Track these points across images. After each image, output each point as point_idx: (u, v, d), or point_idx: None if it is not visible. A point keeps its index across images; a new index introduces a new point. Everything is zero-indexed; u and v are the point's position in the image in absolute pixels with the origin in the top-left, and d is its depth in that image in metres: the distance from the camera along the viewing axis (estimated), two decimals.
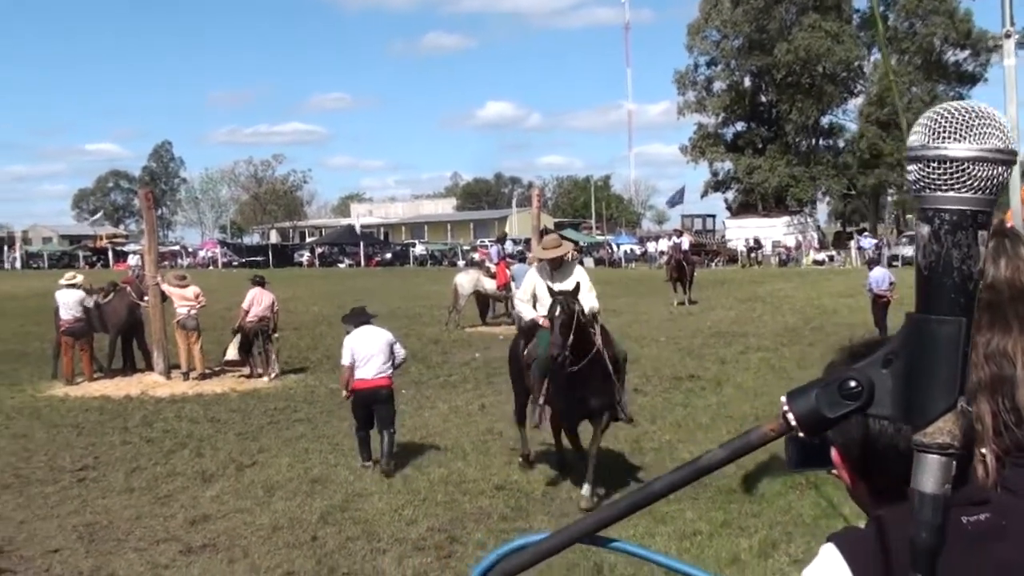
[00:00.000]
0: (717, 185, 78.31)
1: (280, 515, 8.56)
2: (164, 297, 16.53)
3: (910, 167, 1.12)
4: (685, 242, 32.27)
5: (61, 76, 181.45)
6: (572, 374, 8.63)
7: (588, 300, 9.12)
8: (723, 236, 71.46)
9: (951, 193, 1.09)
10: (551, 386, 8.94)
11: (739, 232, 66.67)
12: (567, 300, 8.59)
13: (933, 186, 1.10)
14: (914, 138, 1.13)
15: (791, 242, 61.60)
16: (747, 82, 74.78)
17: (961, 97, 71.19)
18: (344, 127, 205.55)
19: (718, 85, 74.96)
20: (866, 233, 61.67)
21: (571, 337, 8.42)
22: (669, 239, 40.79)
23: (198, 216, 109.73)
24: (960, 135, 1.10)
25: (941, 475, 1.09)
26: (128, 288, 17.36)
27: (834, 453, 1.47)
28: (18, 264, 66.61)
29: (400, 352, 10.28)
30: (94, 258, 66.63)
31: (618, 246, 67.20)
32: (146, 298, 16.78)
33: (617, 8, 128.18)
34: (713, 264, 56.09)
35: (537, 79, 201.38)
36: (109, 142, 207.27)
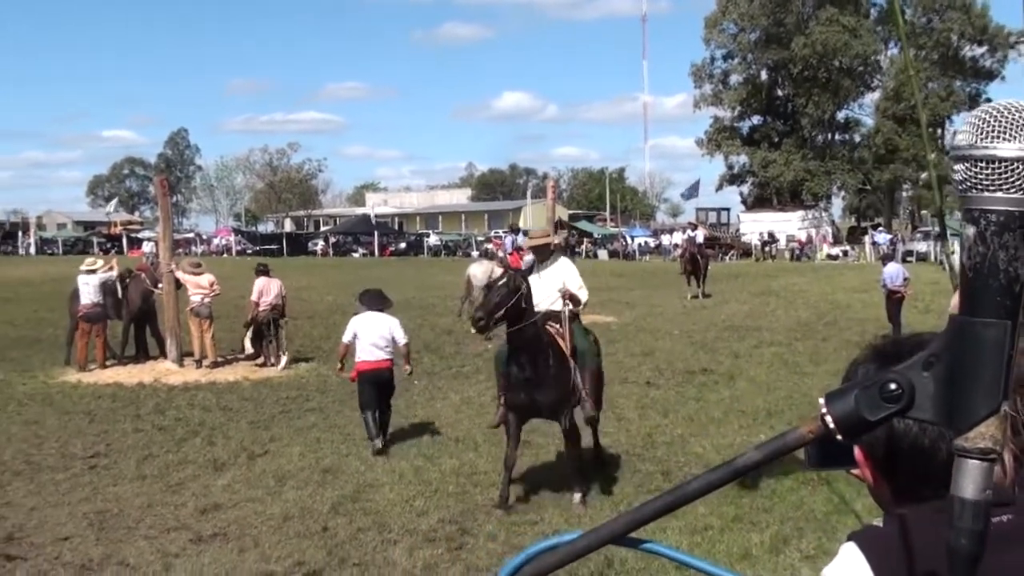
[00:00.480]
0: (732, 179, 78.21)
1: (291, 505, 8.55)
2: (178, 284, 16.55)
3: (956, 167, 1.09)
4: (699, 235, 32.19)
5: (78, 64, 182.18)
6: (521, 367, 8.26)
7: (580, 294, 9.03)
8: (737, 230, 71.31)
9: (999, 194, 1.06)
10: (503, 379, 8.67)
11: (754, 226, 66.49)
12: (517, 277, 8.35)
13: (980, 186, 1.07)
14: (961, 137, 1.11)
15: (805, 236, 61.42)
16: (764, 76, 74.58)
17: (978, 93, 70.99)
18: (360, 116, 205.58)
19: (735, 78, 74.82)
20: (881, 228, 61.39)
21: (502, 311, 8.05)
22: (683, 232, 40.71)
23: (213, 204, 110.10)
24: (1010, 135, 1.07)
25: (983, 481, 1.06)
26: (143, 275, 17.39)
27: (857, 452, 1.45)
28: (32, 250, 66.85)
29: (401, 338, 10.79)
30: (108, 244, 66.82)
31: (632, 238, 67.14)
32: (160, 285, 16.81)
33: (634, 0, 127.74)
34: (727, 258, 55.99)
35: (553, 70, 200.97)
36: (125, 129, 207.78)
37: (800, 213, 68.41)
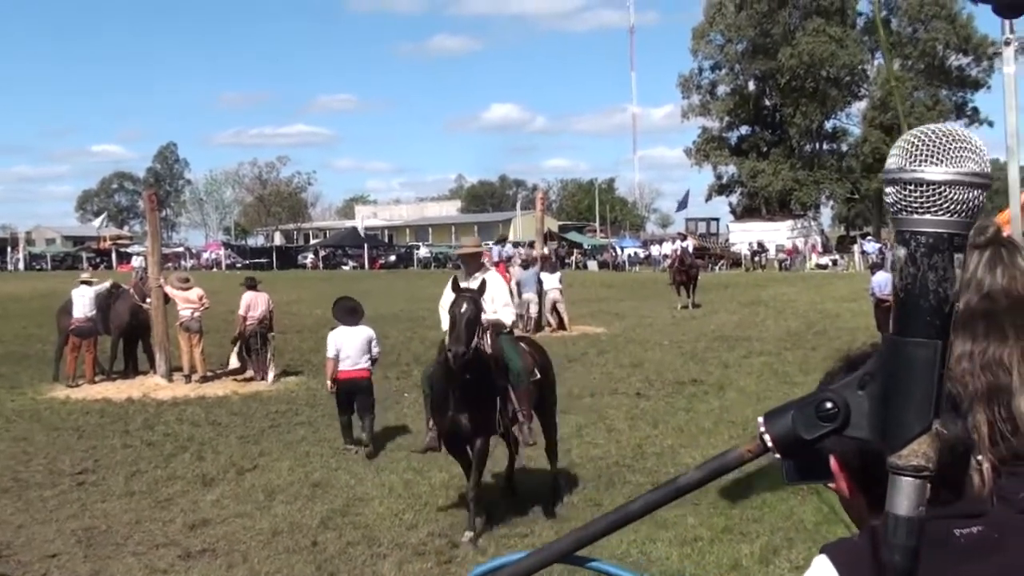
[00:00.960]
0: (721, 189, 78.37)
1: (280, 520, 8.52)
2: (167, 299, 16.52)
3: (887, 189, 1.13)
4: (689, 245, 32.28)
5: (67, 78, 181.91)
6: (453, 389, 7.77)
7: (503, 314, 8.50)
8: (727, 240, 71.47)
9: (928, 216, 1.10)
10: (432, 402, 8.18)
11: (743, 236, 66.67)
12: (474, 296, 7.87)
13: (910, 209, 1.11)
14: (891, 161, 1.14)
15: (791, 246, 61.57)
16: (751, 86, 74.80)
17: (964, 102, 71.40)
18: (350, 129, 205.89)
19: (722, 89, 75.09)
20: (869, 237, 61.65)
21: (475, 338, 7.63)
22: (672, 242, 40.78)
23: (202, 218, 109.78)
24: (937, 159, 1.10)
25: (916, 497, 1.09)
26: (131, 290, 17.36)
27: (833, 462, 1.46)
28: (21, 265, 66.63)
29: (375, 349, 11.37)
30: (97, 259, 66.63)
31: (622, 249, 67.23)
32: (148, 300, 16.77)
33: (622, 11, 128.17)
34: (717, 268, 56.10)
35: (542, 82, 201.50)
36: (114, 143, 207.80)
37: (789, 223, 68.59)
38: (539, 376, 8.62)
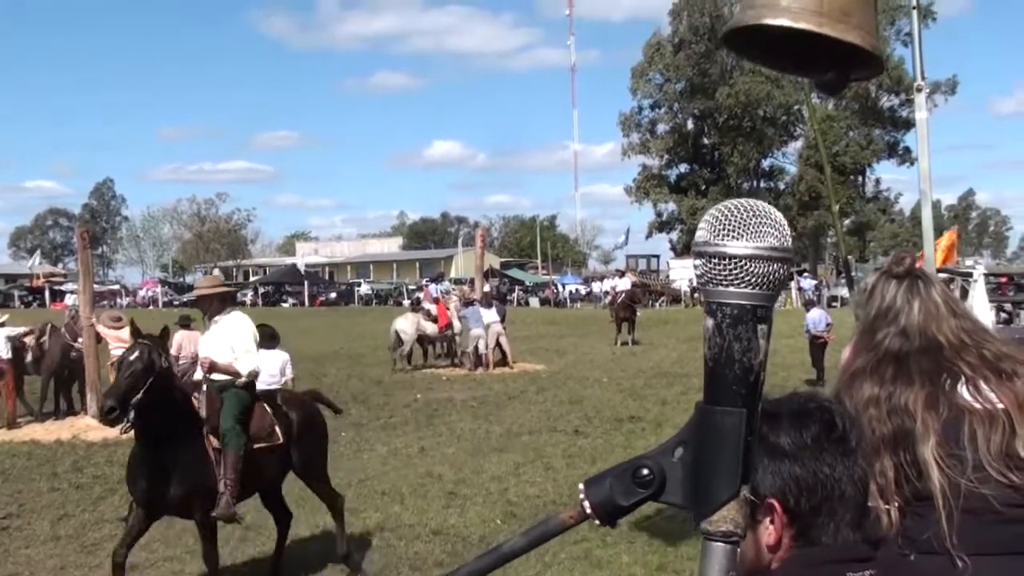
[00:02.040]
0: (661, 226, 79.30)
1: None
2: (99, 339, 16.22)
3: (696, 262, 1.16)
4: (628, 282, 32.52)
5: None
6: (150, 453, 6.99)
7: (242, 362, 7.68)
8: (667, 276, 72.11)
9: (731, 288, 1.12)
10: (127, 467, 7.42)
11: (683, 272, 67.24)
12: (150, 345, 7.04)
13: (715, 281, 1.13)
14: (699, 234, 1.17)
15: None
16: (690, 125, 76.06)
17: (896, 141, 73.14)
18: (291, 165, 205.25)
19: (661, 127, 76.23)
20: (806, 274, 62.53)
21: (140, 393, 6.74)
22: (612, 278, 40.97)
23: (139, 255, 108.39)
24: (738, 233, 1.13)
25: (727, 562, 1.11)
26: (63, 330, 17.01)
27: None
28: None
29: (289, 372, 11.96)
30: (30, 297, 65.34)
31: (563, 286, 67.47)
32: (79, 339, 16.44)
33: (563, 50, 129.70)
34: (658, 304, 56.51)
35: (485, 119, 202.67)
36: (48, 179, 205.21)
37: None
38: (281, 439, 7.77)
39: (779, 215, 1.14)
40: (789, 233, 1.14)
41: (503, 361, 23.17)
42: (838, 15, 1.74)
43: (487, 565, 1.21)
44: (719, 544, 1.11)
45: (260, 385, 10.06)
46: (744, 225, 1.12)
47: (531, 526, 1.21)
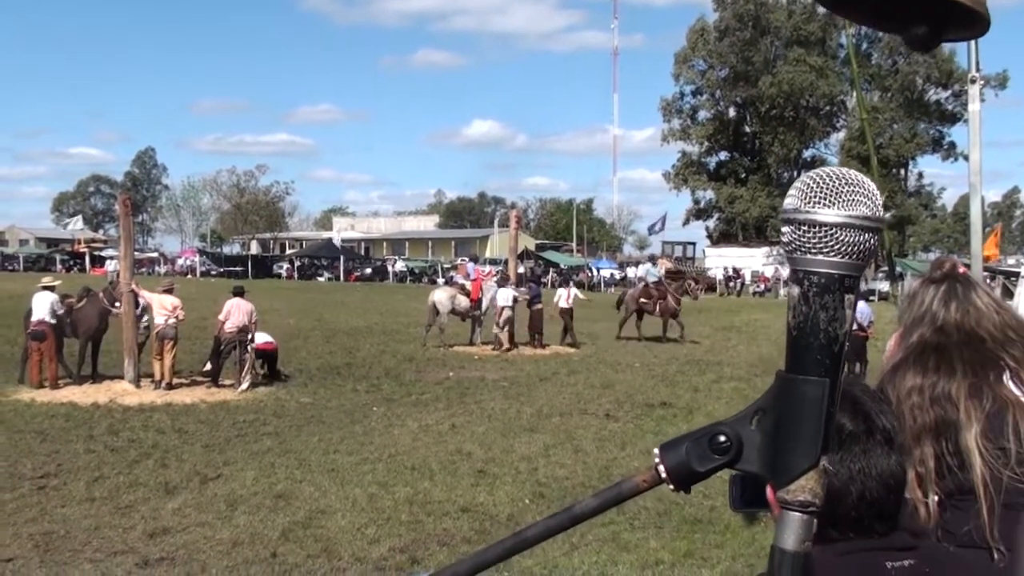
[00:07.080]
0: (699, 213, 78.92)
1: (241, 530, 8.44)
2: (139, 304, 16.46)
3: (784, 229, 1.14)
4: (661, 269, 32.25)
5: (46, 79, 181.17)
6: None
7: None
8: (703, 264, 71.79)
9: (820, 256, 1.11)
10: None
11: (719, 261, 67.02)
12: None
13: (803, 249, 1.12)
14: (788, 201, 1.15)
15: (770, 272, 61.91)
16: (731, 112, 75.54)
17: (942, 136, 72.23)
18: (330, 140, 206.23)
19: (703, 114, 75.78)
20: None
21: None
22: (637, 267, 40.35)
23: (179, 224, 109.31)
24: (829, 201, 1.11)
25: (802, 533, 1.11)
26: (100, 294, 17.22)
27: (769, 492, 1.46)
28: None
29: (255, 316, 16.57)
30: (71, 262, 66.16)
31: (598, 270, 67.36)
32: (117, 304, 16.65)
33: (607, 33, 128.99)
34: (702, 293, 56.24)
35: (525, 100, 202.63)
36: (92, 146, 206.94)
37: (765, 249, 68.99)
38: None
39: (872, 184, 1.13)
40: (881, 203, 1.14)
41: (510, 344, 23.35)
42: None
43: (559, 524, 1.22)
44: (796, 513, 1.11)
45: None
46: (836, 193, 1.11)
47: (604, 488, 1.21)
